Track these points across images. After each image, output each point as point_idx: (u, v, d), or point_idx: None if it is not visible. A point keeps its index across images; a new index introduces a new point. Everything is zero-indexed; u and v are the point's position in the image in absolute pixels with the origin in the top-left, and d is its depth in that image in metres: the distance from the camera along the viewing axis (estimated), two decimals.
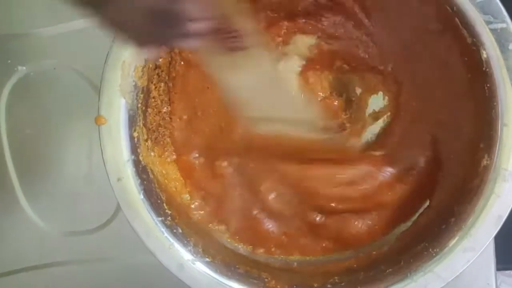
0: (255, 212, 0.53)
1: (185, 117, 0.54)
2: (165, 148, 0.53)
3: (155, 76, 0.50)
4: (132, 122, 0.46)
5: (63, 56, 0.60)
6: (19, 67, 0.60)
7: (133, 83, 0.46)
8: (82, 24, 0.58)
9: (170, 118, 0.53)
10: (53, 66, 0.60)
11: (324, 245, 0.52)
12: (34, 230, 0.60)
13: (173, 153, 0.54)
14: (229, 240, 0.53)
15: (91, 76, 0.59)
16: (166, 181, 0.52)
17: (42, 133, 0.60)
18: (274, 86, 0.44)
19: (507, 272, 0.69)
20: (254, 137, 0.50)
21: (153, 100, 0.51)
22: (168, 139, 0.54)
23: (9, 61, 0.60)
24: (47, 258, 0.60)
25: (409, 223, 0.52)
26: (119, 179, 0.46)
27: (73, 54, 0.59)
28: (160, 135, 0.53)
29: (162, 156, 0.53)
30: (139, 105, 0.47)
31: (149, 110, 0.51)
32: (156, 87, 0.51)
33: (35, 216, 0.60)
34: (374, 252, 0.51)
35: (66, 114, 0.60)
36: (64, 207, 0.60)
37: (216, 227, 0.53)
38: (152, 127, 0.51)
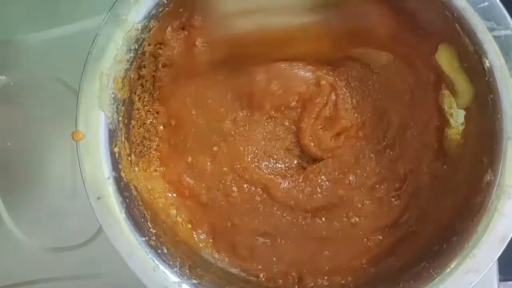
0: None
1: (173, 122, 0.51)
2: (151, 162, 0.51)
3: (138, 87, 0.48)
4: (112, 137, 0.44)
5: (44, 64, 0.57)
6: None
7: (113, 95, 0.43)
8: (63, 31, 0.55)
9: (155, 129, 0.51)
10: (34, 75, 0.58)
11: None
12: (17, 246, 0.58)
13: (160, 166, 0.51)
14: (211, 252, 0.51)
15: (75, 85, 0.56)
16: (151, 197, 0.49)
17: (24, 145, 0.58)
18: None
19: (509, 283, 0.67)
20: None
21: (137, 111, 0.48)
22: (154, 152, 0.51)
23: None
24: (31, 275, 0.58)
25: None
26: (99, 198, 0.43)
27: (55, 62, 0.57)
28: (145, 148, 0.50)
29: (148, 171, 0.50)
30: (120, 118, 0.45)
31: (133, 122, 0.48)
32: (140, 98, 0.48)
33: (18, 232, 0.59)
34: (373, 270, 0.49)
35: (49, 125, 0.58)
36: (48, 222, 0.58)
37: (200, 236, 0.51)
38: (136, 140, 0.49)
